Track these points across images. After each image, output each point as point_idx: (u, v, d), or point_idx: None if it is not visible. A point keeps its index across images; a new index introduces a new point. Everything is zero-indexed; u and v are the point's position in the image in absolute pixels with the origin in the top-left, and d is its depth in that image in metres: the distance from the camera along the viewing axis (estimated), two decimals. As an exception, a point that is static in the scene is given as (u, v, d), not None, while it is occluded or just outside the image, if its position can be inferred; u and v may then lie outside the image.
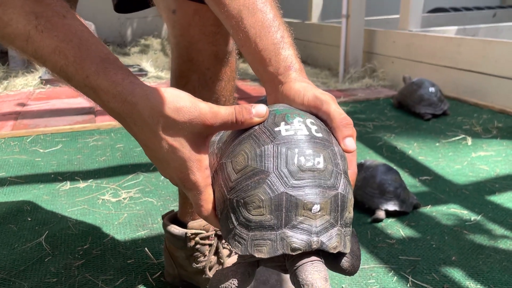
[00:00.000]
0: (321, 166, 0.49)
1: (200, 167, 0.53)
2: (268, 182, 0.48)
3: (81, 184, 1.56)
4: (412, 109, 2.33)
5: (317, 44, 3.71)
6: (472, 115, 2.31)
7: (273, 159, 0.49)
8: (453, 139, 1.97)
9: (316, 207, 0.48)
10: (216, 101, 0.88)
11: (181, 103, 0.52)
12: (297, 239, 0.48)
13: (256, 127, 0.52)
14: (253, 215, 0.49)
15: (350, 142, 0.54)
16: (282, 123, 0.52)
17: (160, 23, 4.57)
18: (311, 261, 0.49)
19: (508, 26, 3.05)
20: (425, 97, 2.29)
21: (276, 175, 0.48)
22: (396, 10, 3.30)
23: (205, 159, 0.54)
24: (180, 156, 0.52)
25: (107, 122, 2.18)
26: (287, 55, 0.63)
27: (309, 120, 0.53)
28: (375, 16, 3.84)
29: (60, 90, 2.94)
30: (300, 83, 0.60)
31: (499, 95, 2.42)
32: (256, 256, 0.48)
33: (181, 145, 0.52)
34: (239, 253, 0.49)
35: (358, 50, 3.24)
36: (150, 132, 0.52)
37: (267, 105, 0.61)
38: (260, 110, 0.53)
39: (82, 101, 2.63)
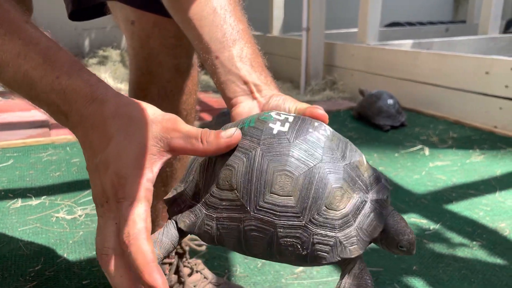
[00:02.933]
0: (330, 132, 0.50)
1: (142, 176, 0.45)
2: (330, 171, 0.46)
3: (34, 202, 1.48)
4: (372, 121, 2.37)
5: (279, 56, 3.74)
6: (429, 126, 2.38)
7: (313, 151, 0.46)
8: (411, 149, 2.02)
9: (363, 160, 0.49)
10: (177, 115, 0.86)
11: (149, 108, 0.49)
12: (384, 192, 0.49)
13: (259, 152, 0.46)
14: (339, 209, 0.45)
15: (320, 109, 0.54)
16: (270, 124, 0.48)
17: (119, 34, 4.49)
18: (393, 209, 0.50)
19: (461, 40, 3.18)
20: (384, 109, 2.34)
21: (327, 161, 0.46)
22: (355, 24, 3.38)
23: (150, 171, 0.46)
24: (125, 157, 0.45)
25: (62, 136, 2.10)
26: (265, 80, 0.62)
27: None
28: (334, 30, 3.92)
29: (12, 103, 2.80)
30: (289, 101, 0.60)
31: (453, 107, 2.51)
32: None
33: (132, 145, 0.46)
34: (361, 252, 0.46)
35: (318, 63, 3.29)
36: (103, 132, 0.47)
37: (229, 117, 0.60)
38: (228, 132, 0.47)
39: (36, 114, 2.52)
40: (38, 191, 1.56)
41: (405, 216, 1.39)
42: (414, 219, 1.38)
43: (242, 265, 1.13)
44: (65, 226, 1.32)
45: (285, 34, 3.98)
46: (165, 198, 0.51)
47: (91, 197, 1.50)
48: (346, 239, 0.45)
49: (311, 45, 3.23)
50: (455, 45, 3.13)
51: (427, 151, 1.99)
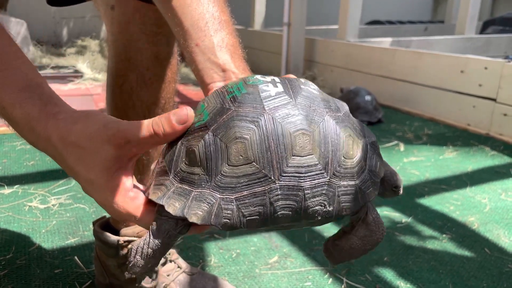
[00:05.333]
0: (316, 86, 0.50)
1: (120, 194, 0.47)
2: (337, 122, 0.46)
3: (6, 190, 1.45)
4: (350, 116, 2.40)
5: (260, 51, 3.74)
6: (405, 122, 2.43)
7: (315, 106, 0.45)
8: (387, 145, 2.06)
9: (347, 108, 0.51)
10: (155, 103, 0.85)
11: (90, 128, 0.46)
12: None
13: (268, 117, 0.43)
14: (354, 157, 0.46)
15: None
16: (263, 87, 0.45)
17: (98, 24, 4.41)
18: None
19: (438, 39, 3.24)
20: (362, 105, 2.37)
21: (330, 113, 0.46)
22: (335, 21, 3.40)
23: (125, 182, 0.47)
24: (97, 188, 0.47)
25: (38, 125, 2.06)
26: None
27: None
28: (315, 26, 3.94)
29: (-14, 90, 2.74)
30: None
31: (428, 104, 2.55)
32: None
33: (96, 175, 0.46)
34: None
35: (299, 58, 3.31)
36: (67, 166, 0.48)
37: None
38: (181, 115, 0.45)
39: (11, 103, 2.47)
40: (11, 180, 1.53)
41: (379, 209, 1.41)
42: (387, 212, 1.40)
43: (217, 255, 1.14)
44: (38, 215, 1.31)
45: (266, 28, 3.98)
46: (152, 198, 0.46)
47: (65, 187, 1.49)
48: (363, 184, 0.46)
49: (291, 40, 3.24)
50: (433, 44, 3.18)
51: (402, 146, 2.03)
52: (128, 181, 0.48)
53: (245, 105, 0.43)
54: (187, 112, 0.46)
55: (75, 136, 0.46)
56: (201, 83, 0.63)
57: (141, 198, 0.48)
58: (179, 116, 0.45)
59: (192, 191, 0.44)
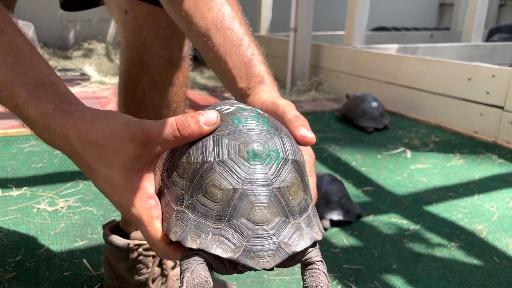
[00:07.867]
0: None
1: (141, 198, 0.46)
2: None
3: (15, 192, 1.46)
4: (356, 122, 2.40)
5: (266, 56, 3.74)
6: (411, 129, 2.42)
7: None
8: (394, 151, 2.05)
9: None
10: (167, 107, 0.86)
11: (111, 126, 0.45)
12: None
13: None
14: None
15: (305, 131, 0.50)
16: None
17: (104, 27, 4.44)
18: None
19: (444, 46, 3.24)
20: (368, 111, 2.37)
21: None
22: (342, 27, 3.41)
23: (146, 187, 0.46)
24: (116, 187, 0.46)
25: (46, 127, 2.07)
26: (258, 71, 0.65)
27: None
28: (321, 32, 3.95)
29: (-6, 92, 2.75)
30: (266, 93, 0.61)
31: (435, 111, 2.55)
32: None
33: (117, 174, 0.45)
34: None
35: (305, 64, 3.31)
36: (85, 164, 0.47)
37: None
38: (210, 116, 0.44)
39: (18, 105, 2.48)
40: (19, 182, 1.54)
41: (386, 216, 1.42)
42: (394, 219, 1.40)
43: (225, 260, 1.14)
44: (47, 218, 1.31)
45: (273, 34, 3.99)
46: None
47: (73, 190, 1.49)
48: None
49: (298, 45, 3.25)
50: (439, 51, 3.18)
51: (409, 153, 2.03)
52: (150, 187, 0.47)
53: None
54: (216, 115, 0.45)
55: (95, 134, 0.45)
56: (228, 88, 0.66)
57: (158, 210, 0.47)
58: (207, 118, 0.44)
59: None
